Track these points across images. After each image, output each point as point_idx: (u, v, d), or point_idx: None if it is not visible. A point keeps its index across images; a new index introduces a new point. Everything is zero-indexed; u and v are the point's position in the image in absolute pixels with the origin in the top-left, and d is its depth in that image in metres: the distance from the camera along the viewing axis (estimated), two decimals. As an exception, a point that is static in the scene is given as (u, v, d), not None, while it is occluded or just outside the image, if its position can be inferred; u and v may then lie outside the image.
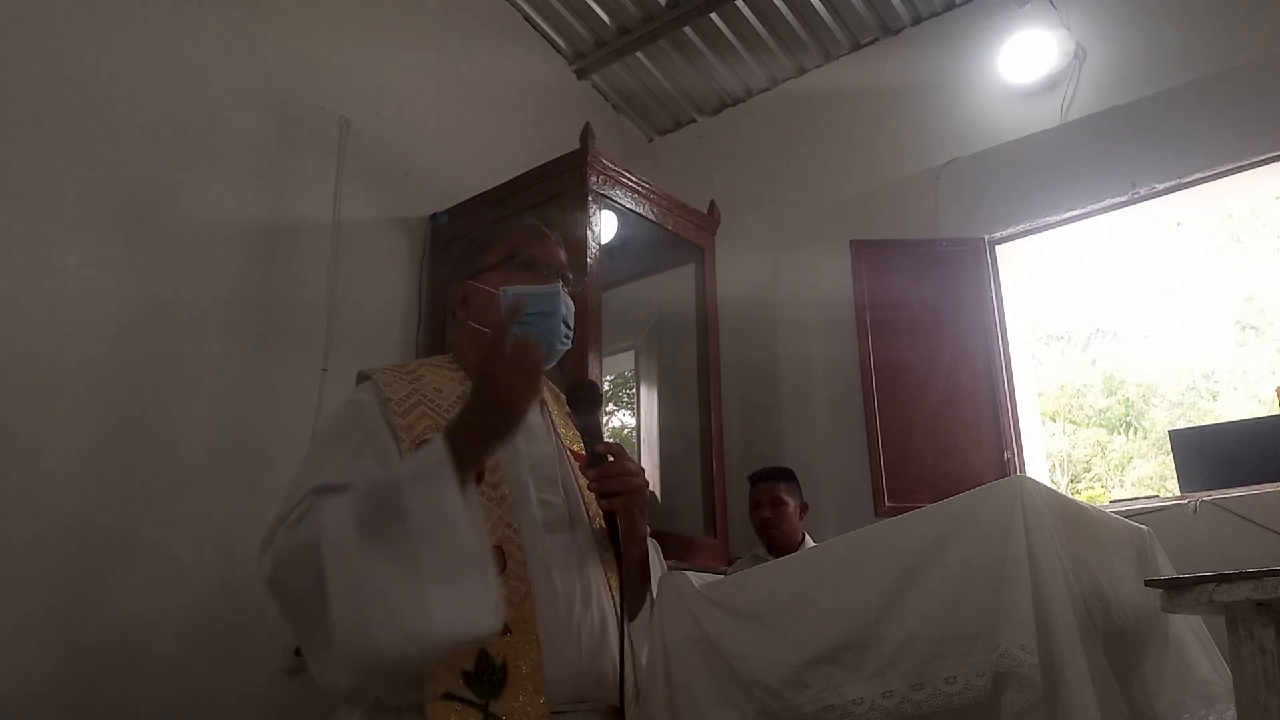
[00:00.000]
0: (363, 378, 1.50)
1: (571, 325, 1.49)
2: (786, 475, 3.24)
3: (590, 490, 1.39)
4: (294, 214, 2.98)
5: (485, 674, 1.25)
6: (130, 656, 2.31)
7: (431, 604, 1.09)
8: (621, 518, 1.38)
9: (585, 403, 1.44)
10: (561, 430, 1.54)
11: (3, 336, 2.25)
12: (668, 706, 1.31)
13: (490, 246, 1.54)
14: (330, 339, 2.95)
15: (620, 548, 1.38)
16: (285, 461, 2.74)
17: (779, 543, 3.12)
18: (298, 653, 2.62)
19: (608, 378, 4.19)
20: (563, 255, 1.55)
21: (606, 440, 1.40)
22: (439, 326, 3.26)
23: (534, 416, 1.49)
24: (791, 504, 3.18)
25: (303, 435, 2.80)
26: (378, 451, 1.33)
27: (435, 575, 1.11)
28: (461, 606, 1.11)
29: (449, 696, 1.23)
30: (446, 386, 1.45)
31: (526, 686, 1.25)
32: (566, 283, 1.51)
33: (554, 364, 1.47)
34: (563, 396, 1.59)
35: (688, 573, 1.43)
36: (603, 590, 1.40)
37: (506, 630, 1.25)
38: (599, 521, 1.43)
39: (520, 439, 1.38)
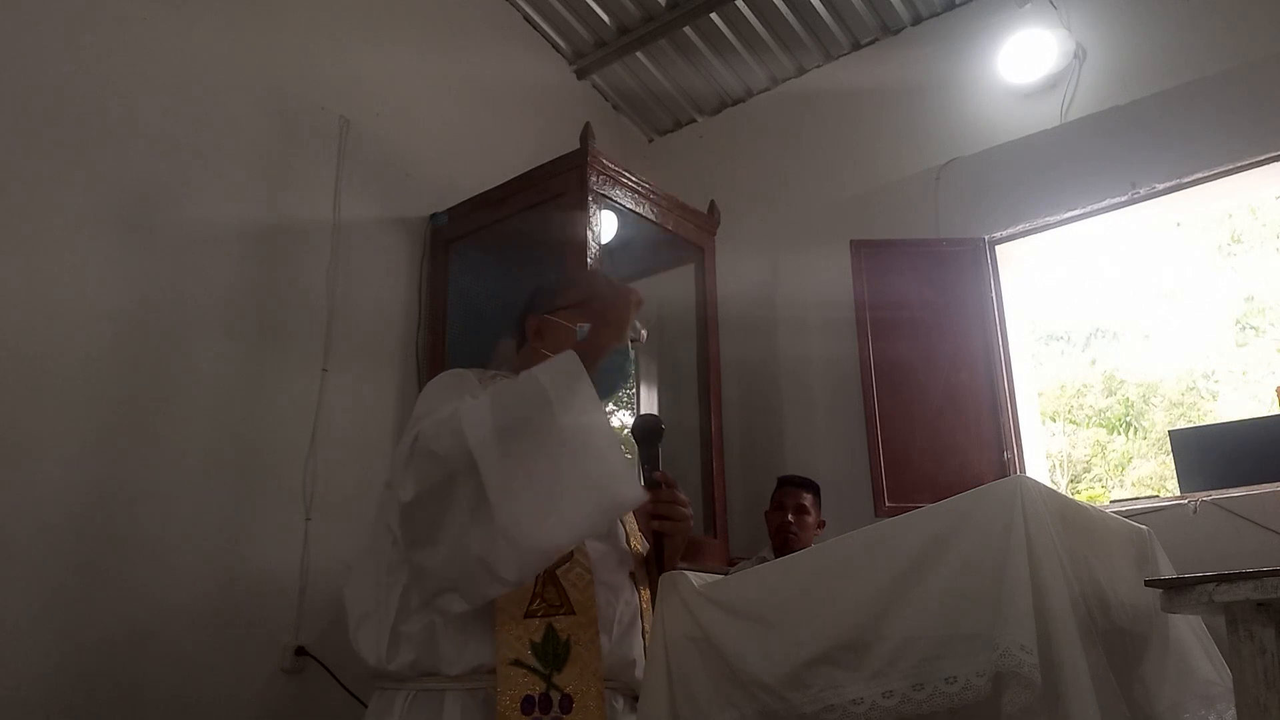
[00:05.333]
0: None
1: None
2: (816, 489, 3.24)
3: (645, 511, 1.52)
4: (294, 214, 2.98)
5: (551, 647, 1.36)
6: (130, 656, 2.31)
7: (586, 488, 1.25)
8: (666, 542, 1.53)
9: (649, 434, 1.59)
10: None
11: (3, 336, 2.25)
12: (668, 706, 1.32)
13: (568, 288, 1.69)
14: (330, 339, 2.95)
15: (662, 567, 1.50)
16: (285, 461, 2.75)
17: (791, 549, 3.12)
18: (298, 652, 2.62)
19: (608, 378, 4.20)
20: None
21: (663, 470, 1.55)
22: (439, 326, 3.26)
23: None
24: (813, 516, 3.19)
25: (303, 435, 2.80)
26: None
27: (586, 456, 1.25)
28: (610, 478, 1.26)
29: (517, 663, 1.33)
30: None
31: (587, 663, 1.37)
32: (634, 333, 1.65)
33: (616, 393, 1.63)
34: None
35: (688, 572, 1.44)
36: (635, 589, 1.54)
37: (571, 610, 1.39)
38: (635, 541, 1.59)
39: None
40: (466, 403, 1.31)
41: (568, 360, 1.33)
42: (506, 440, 1.25)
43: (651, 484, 1.53)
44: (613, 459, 1.27)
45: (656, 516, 1.51)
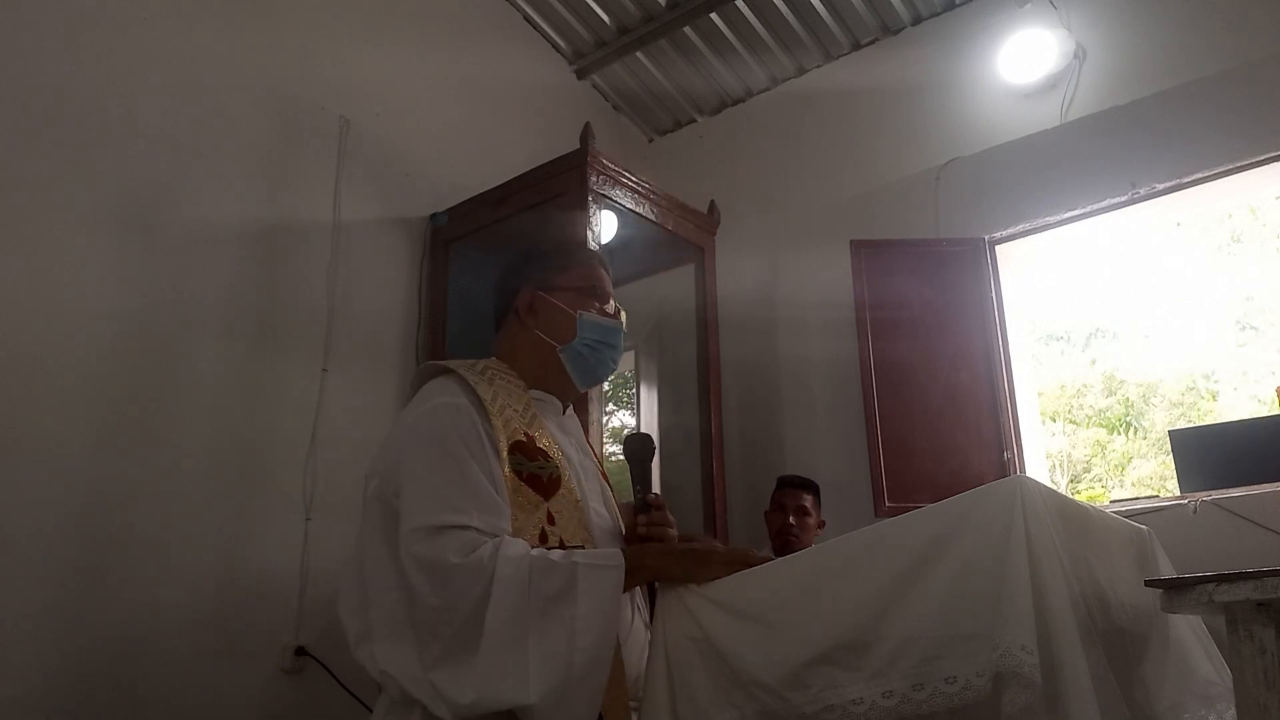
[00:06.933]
0: (435, 371, 1.54)
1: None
2: (816, 489, 3.23)
3: (640, 532, 1.51)
4: (294, 214, 2.98)
5: None
6: (130, 656, 2.31)
7: (570, 691, 1.24)
8: None
9: (641, 451, 1.59)
10: (594, 447, 1.68)
11: (3, 336, 2.25)
12: (668, 707, 1.32)
13: (568, 267, 1.64)
14: (330, 339, 2.95)
15: (652, 589, 1.48)
16: (285, 461, 2.75)
17: (792, 550, 3.11)
18: (298, 652, 2.62)
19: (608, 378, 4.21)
20: None
21: (656, 492, 1.55)
22: (439, 326, 3.26)
23: (577, 430, 1.65)
24: (814, 517, 3.18)
25: (303, 435, 2.80)
26: (488, 475, 1.39)
27: (578, 668, 1.25)
28: (583, 703, 1.25)
29: None
30: (513, 394, 1.52)
31: (614, 679, 1.33)
32: (613, 309, 1.64)
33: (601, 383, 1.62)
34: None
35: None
36: (643, 600, 1.53)
37: None
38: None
39: (574, 450, 1.57)
40: (502, 557, 1.28)
41: (611, 556, 1.34)
42: (517, 635, 1.25)
43: (643, 505, 1.53)
44: (590, 686, 1.27)
45: (649, 539, 1.50)
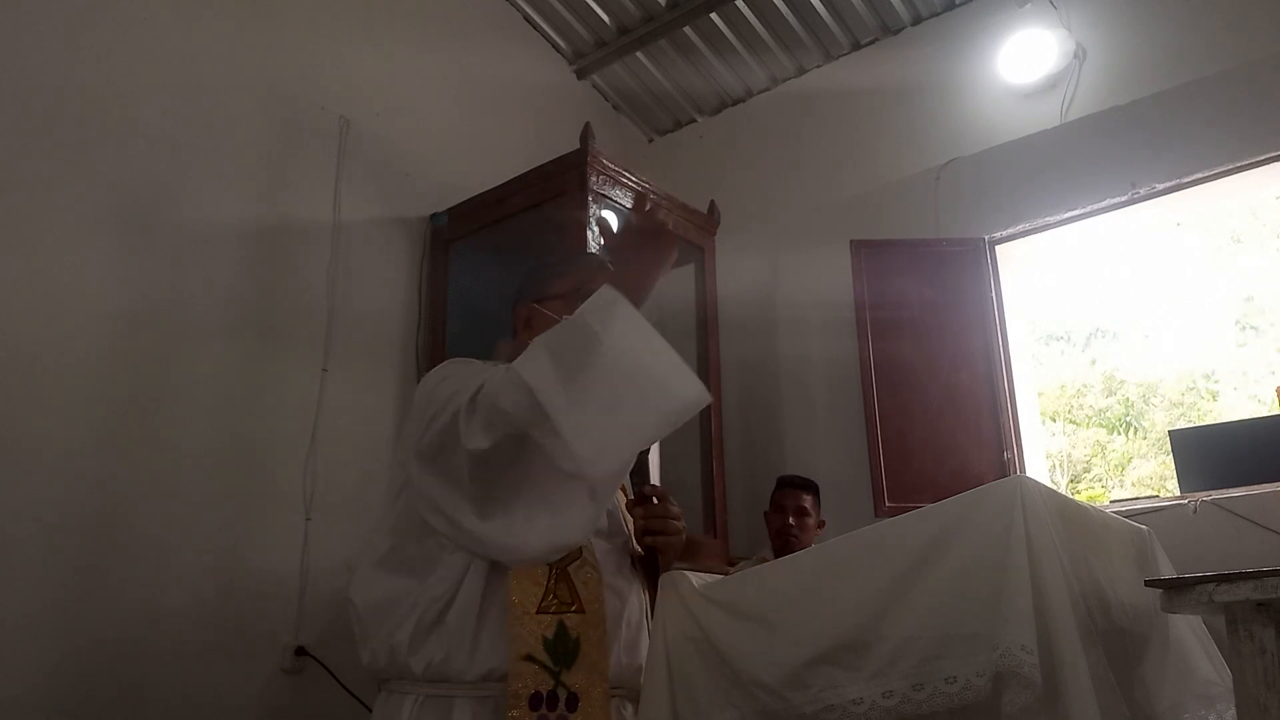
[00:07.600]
0: None
1: None
2: (815, 489, 3.23)
3: (639, 525, 1.50)
4: (294, 214, 2.98)
5: (561, 644, 1.36)
6: (130, 656, 2.31)
7: (651, 398, 1.23)
8: (659, 555, 1.51)
9: None
10: None
11: (3, 336, 2.25)
12: (668, 706, 1.32)
13: (561, 276, 1.64)
14: (330, 339, 2.95)
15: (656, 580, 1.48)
16: (285, 461, 2.75)
17: (792, 551, 3.11)
18: (298, 652, 2.62)
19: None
20: None
21: (654, 483, 1.52)
22: (439, 326, 3.26)
23: None
24: (813, 517, 3.18)
25: (303, 435, 2.80)
26: None
27: (645, 373, 1.23)
28: (681, 384, 1.25)
29: (529, 659, 1.33)
30: None
31: (595, 664, 1.36)
32: None
33: None
34: None
35: (688, 573, 1.44)
36: (641, 596, 1.53)
37: (581, 609, 1.38)
38: (633, 543, 1.56)
39: None
40: (519, 360, 1.27)
41: (603, 291, 1.30)
42: (568, 382, 1.22)
43: (642, 498, 1.52)
44: (662, 368, 1.25)
45: (649, 531, 1.50)
